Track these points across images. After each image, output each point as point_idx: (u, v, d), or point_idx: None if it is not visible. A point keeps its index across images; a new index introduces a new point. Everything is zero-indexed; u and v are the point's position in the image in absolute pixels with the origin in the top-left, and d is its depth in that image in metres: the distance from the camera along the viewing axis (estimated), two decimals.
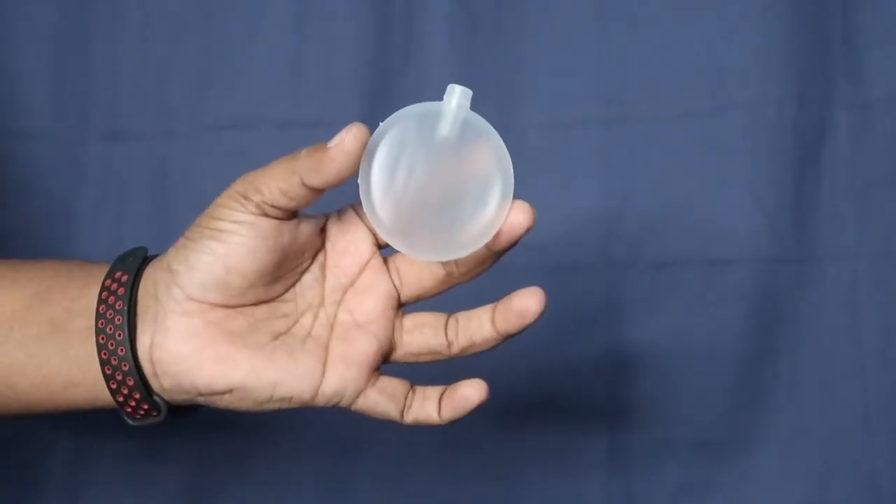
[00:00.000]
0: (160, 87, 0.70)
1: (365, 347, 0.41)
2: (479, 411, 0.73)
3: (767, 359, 0.71)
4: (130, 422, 0.42)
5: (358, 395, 0.41)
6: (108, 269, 0.42)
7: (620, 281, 0.71)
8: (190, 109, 0.70)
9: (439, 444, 0.71)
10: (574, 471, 0.71)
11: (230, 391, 0.40)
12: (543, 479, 0.72)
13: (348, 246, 0.43)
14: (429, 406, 0.42)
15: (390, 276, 0.43)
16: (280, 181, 0.39)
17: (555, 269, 0.71)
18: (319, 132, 0.70)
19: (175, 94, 0.70)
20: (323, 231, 0.43)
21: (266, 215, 0.39)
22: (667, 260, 0.71)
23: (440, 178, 0.39)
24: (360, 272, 0.43)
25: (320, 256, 0.43)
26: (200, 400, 0.41)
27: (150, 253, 0.44)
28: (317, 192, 0.39)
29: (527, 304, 0.40)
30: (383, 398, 0.42)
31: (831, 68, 0.70)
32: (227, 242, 0.39)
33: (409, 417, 0.42)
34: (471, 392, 0.41)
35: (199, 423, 0.46)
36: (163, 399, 0.41)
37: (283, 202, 0.39)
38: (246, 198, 0.39)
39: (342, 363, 0.41)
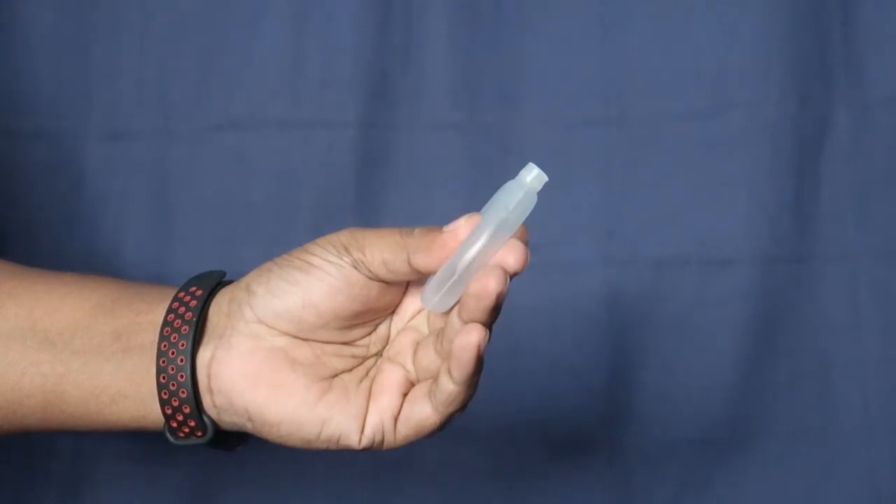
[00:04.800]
0: (160, 87, 0.70)
1: (392, 375, 0.41)
2: (478, 411, 0.73)
3: (767, 359, 0.71)
4: (172, 439, 0.41)
5: (395, 420, 0.40)
6: (178, 288, 0.42)
7: (620, 280, 0.71)
8: (190, 109, 0.70)
9: (439, 445, 0.71)
10: (574, 471, 0.71)
11: (279, 423, 0.39)
12: (543, 479, 0.72)
13: (415, 293, 0.42)
14: (443, 380, 0.38)
15: (427, 321, 0.43)
16: (386, 251, 0.39)
17: (555, 269, 0.71)
18: (319, 132, 0.71)
19: (175, 94, 0.70)
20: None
21: (358, 271, 0.39)
22: (667, 260, 0.71)
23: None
24: (413, 317, 0.43)
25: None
26: (249, 427, 0.40)
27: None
28: (418, 273, 0.39)
29: (484, 283, 0.36)
30: (413, 404, 0.40)
31: (831, 68, 0.70)
32: (312, 276, 0.39)
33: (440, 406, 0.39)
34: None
35: None
36: (211, 420, 0.40)
37: (382, 272, 0.39)
38: (346, 251, 0.39)
39: (375, 398, 0.40)
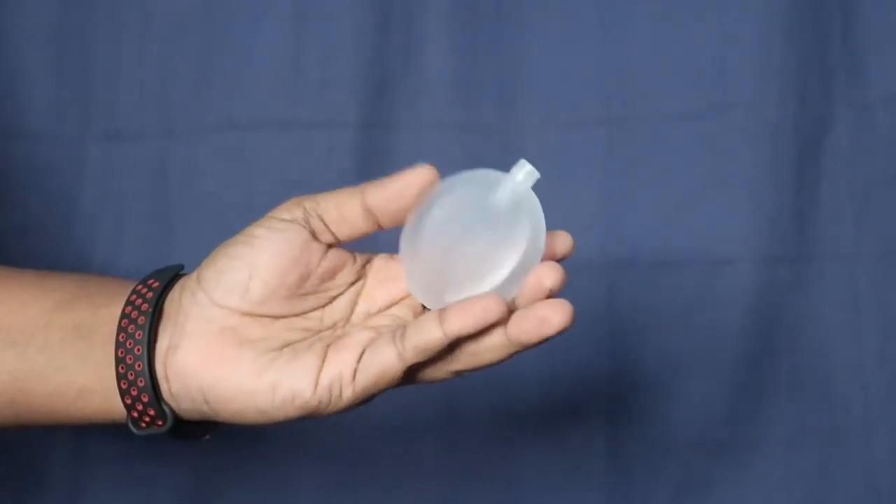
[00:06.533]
0: (160, 87, 0.70)
1: (360, 336, 0.40)
2: (476, 410, 0.73)
3: (767, 359, 0.71)
4: (135, 430, 0.42)
5: (354, 372, 0.39)
6: (137, 281, 0.43)
7: (620, 280, 0.71)
8: (190, 109, 0.70)
9: (439, 446, 0.71)
10: (574, 471, 0.71)
11: (233, 397, 0.39)
12: (543, 480, 0.72)
13: (388, 282, 0.43)
14: (427, 326, 0.38)
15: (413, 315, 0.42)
16: (341, 195, 0.40)
17: None
18: (319, 132, 0.71)
19: (175, 94, 0.70)
20: (367, 265, 0.43)
21: (307, 225, 0.40)
22: (667, 260, 0.71)
23: (472, 242, 0.39)
24: (390, 306, 0.43)
25: (359, 285, 0.43)
26: (206, 409, 0.40)
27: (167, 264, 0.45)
28: (371, 216, 0.40)
29: (551, 312, 0.37)
30: (375, 350, 0.40)
31: (831, 68, 0.70)
32: (255, 247, 0.40)
33: (409, 348, 0.39)
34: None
35: None
36: (171, 409, 0.41)
37: (333, 215, 0.40)
38: (298, 204, 0.41)
39: (335, 351, 0.40)
